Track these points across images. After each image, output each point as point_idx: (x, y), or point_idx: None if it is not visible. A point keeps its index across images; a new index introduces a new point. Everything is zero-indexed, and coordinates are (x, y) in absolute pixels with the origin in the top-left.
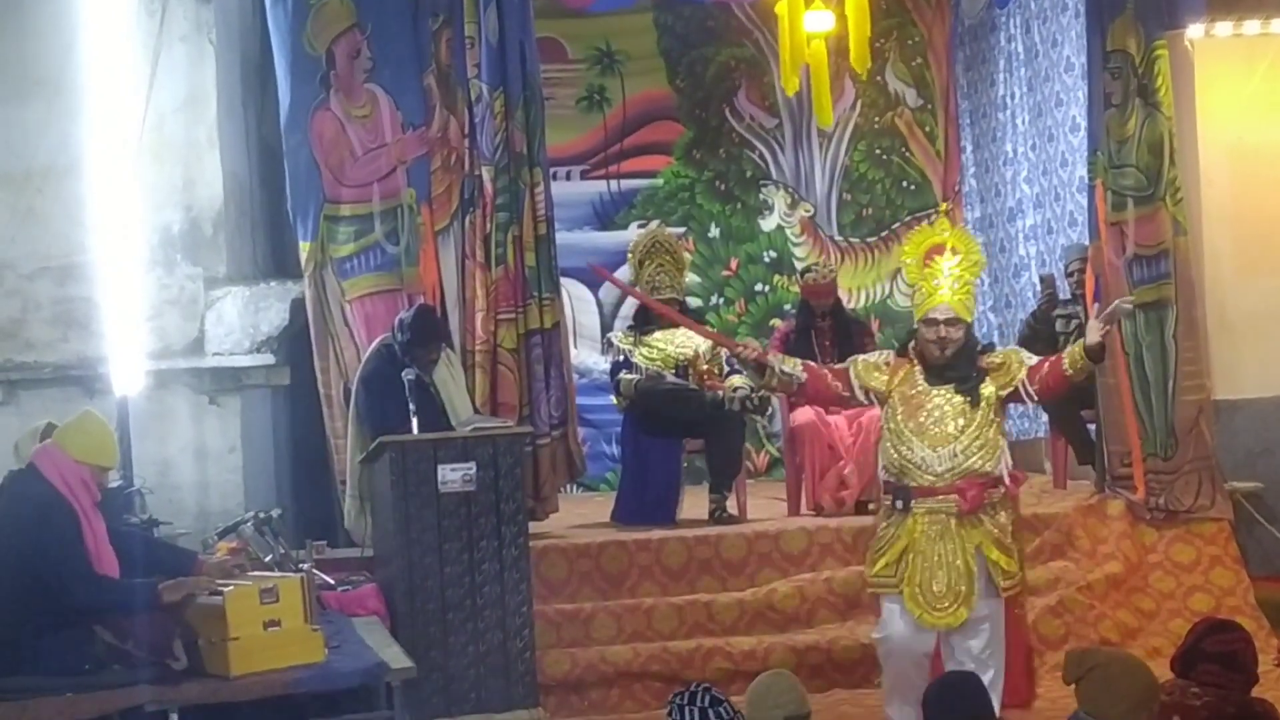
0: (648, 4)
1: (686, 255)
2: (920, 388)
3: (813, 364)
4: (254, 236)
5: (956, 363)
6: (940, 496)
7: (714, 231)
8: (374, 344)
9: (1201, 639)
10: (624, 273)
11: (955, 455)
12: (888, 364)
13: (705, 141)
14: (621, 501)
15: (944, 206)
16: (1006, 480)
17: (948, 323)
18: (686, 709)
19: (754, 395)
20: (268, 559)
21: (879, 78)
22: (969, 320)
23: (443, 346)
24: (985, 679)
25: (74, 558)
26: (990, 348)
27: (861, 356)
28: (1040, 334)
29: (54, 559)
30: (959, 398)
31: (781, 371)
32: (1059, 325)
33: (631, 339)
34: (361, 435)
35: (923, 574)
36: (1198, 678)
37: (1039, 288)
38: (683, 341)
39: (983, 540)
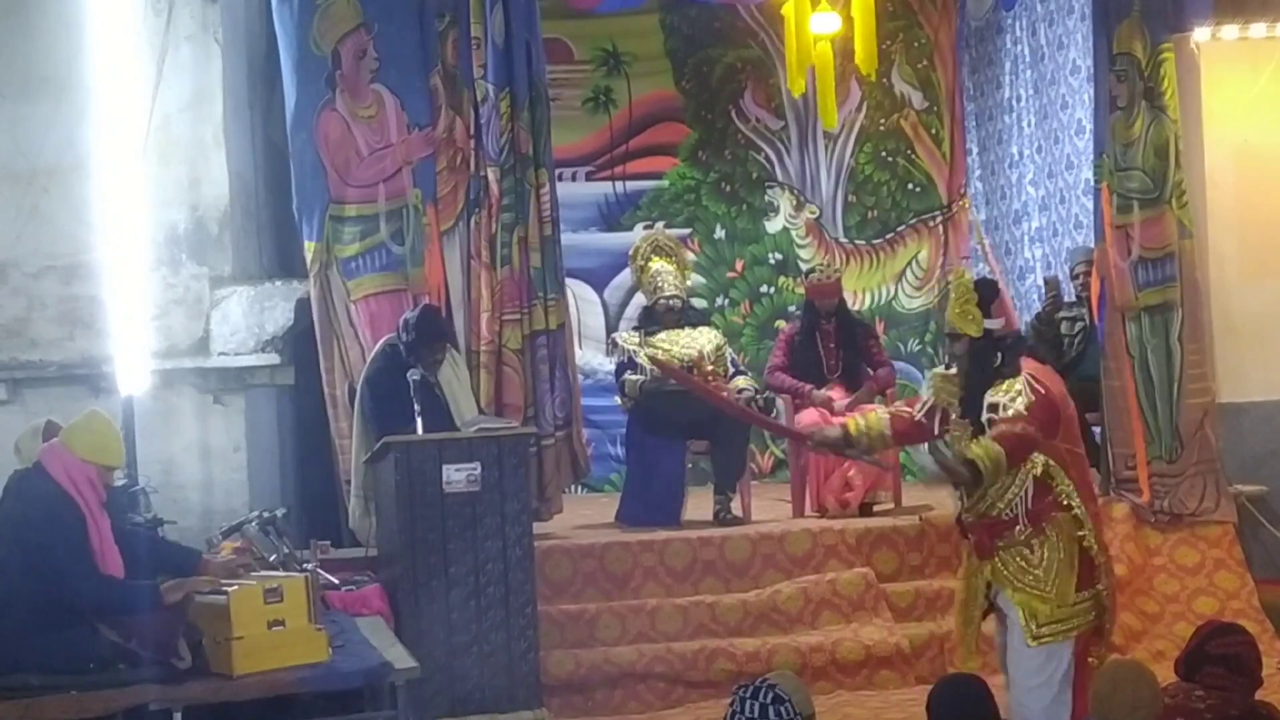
0: (654, 5)
1: (688, 256)
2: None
3: (895, 411)
4: (259, 236)
5: (968, 384)
6: (969, 536)
7: (719, 233)
8: (379, 344)
9: (1205, 642)
10: (625, 276)
11: (965, 501)
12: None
13: (711, 143)
14: (626, 502)
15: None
16: (1022, 521)
17: (948, 337)
18: (749, 702)
19: (758, 396)
20: (272, 558)
21: (885, 80)
22: (969, 333)
23: (447, 346)
24: None
25: (79, 557)
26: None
27: (942, 370)
28: (1045, 336)
29: (60, 558)
30: (971, 427)
31: (867, 431)
32: (1064, 328)
33: (636, 340)
34: (366, 435)
35: (962, 613)
36: (1202, 680)
37: (1044, 290)
38: (687, 343)
39: (1005, 584)
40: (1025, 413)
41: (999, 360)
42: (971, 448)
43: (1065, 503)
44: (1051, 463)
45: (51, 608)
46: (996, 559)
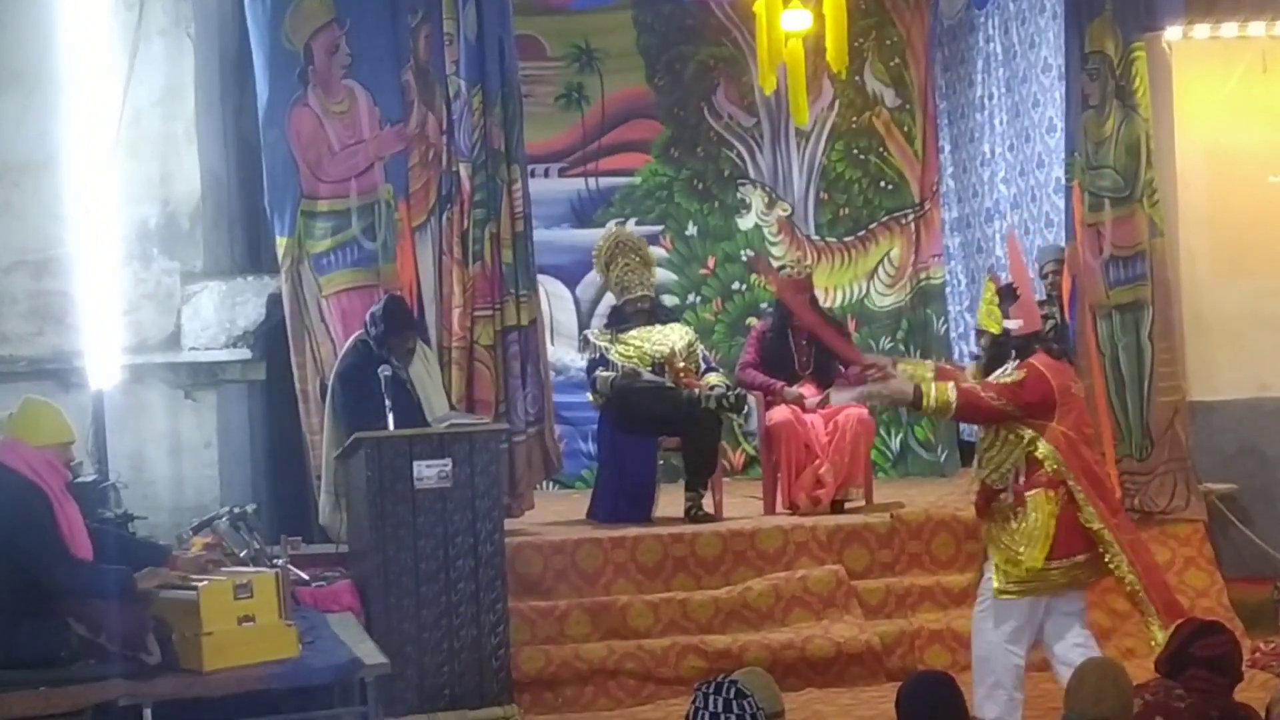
0: (627, 2)
1: (652, 253)
2: None
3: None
4: (231, 231)
5: (987, 373)
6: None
7: (691, 230)
8: (349, 340)
9: (1189, 642)
10: (592, 277)
11: (981, 463)
12: None
13: (683, 140)
14: (597, 499)
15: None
16: (1010, 491)
17: (976, 333)
18: (712, 697)
19: (730, 393)
20: (242, 554)
21: (857, 77)
22: (990, 329)
23: (417, 335)
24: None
25: (49, 542)
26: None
27: (911, 361)
28: None
29: (30, 544)
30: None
31: (936, 400)
32: None
33: (608, 336)
34: (337, 431)
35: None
36: (1185, 682)
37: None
38: (659, 340)
39: (990, 542)
40: (1012, 386)
41: (1014, 355)
42: (930, 381)
43: (1058, 480)
44: (1044, 442)
45: (21, 599)
46: (989, 520)
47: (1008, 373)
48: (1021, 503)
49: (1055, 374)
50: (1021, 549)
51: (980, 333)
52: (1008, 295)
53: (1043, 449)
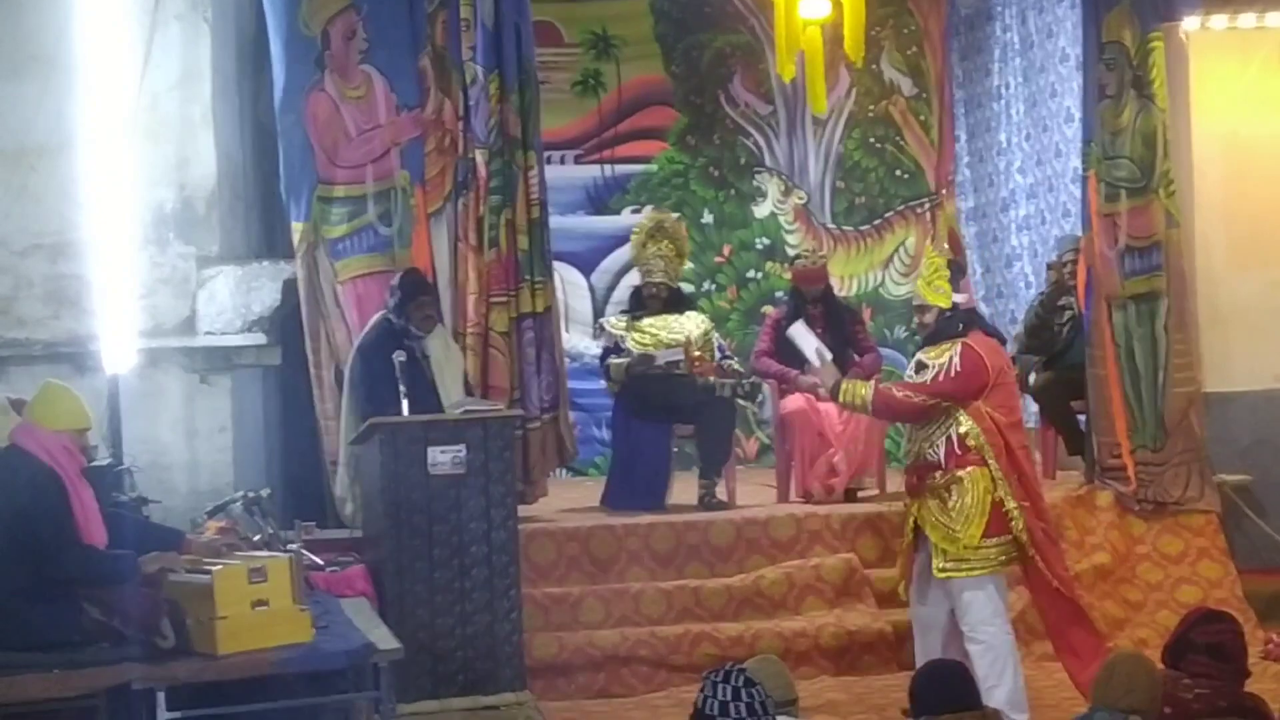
0: None
1: (687, 243)
2: None
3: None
4: (247, 216)
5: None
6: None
7: (707, 218)
8: (374, 318)
9: (1191, 629)
10: (613, 260)
11: (910, 441)
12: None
13: (700, 127)
14: (611, 486)
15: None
16: (942, 466)
17: (917, 308)
18: (720, 685)
19: (744, 382)
20: (256, 539)
21: (874, 66)
22: (939, 304)
23: (437, 304)
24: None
25: (62, 528)
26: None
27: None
28: (1047, 322)
29: (42, 530)
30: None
31: (852, 397)
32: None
33: (623, 324)
34: (354, 402)
35: (902, 552)
36: (1187, 669)
37: (1045, 275)
38: (675, 328)
39: (926, 522)
40: (937, 381)
41: (960, 330)
42: (844, 383)
43: (985, 459)
44: (966, 416)
45: (35, 583)
46: (923, 499)
47: (941, 356)
48: (957, 480)
49: (991, 354)
50: (958, 527)
51: (924, 307)
52: (956, 270)
53: (965, 424)
